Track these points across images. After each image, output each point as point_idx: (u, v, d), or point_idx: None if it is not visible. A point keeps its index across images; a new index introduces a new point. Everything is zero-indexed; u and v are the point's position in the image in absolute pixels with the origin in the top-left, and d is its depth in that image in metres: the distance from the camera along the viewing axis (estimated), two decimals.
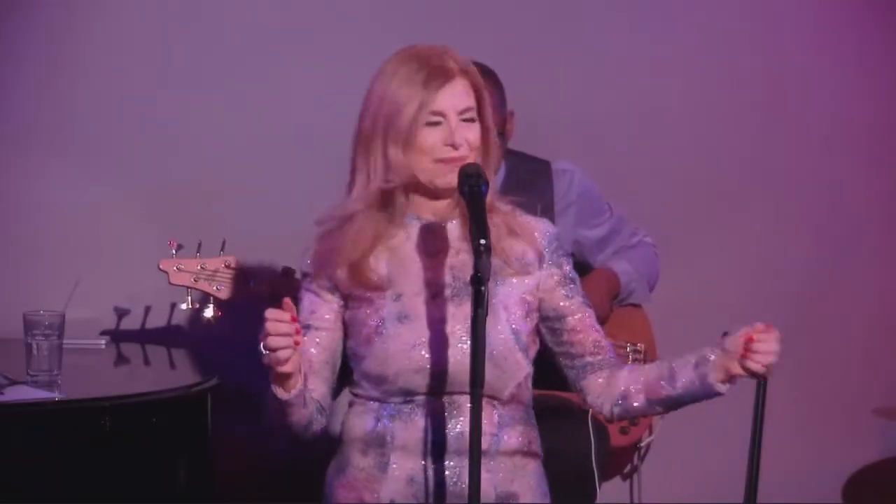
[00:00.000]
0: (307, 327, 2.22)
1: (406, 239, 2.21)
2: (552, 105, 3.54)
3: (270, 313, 2.00)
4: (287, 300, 2.02)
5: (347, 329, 2.25)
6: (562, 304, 2.27)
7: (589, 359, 2.28)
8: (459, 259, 2.20)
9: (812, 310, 3.87)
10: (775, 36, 3.86)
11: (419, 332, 2.17)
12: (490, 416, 2.19)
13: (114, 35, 3.43)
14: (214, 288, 2.89)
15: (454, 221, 2.23)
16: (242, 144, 3.48)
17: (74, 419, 2.69)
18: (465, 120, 2.17)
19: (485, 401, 2.15)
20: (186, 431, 2.86)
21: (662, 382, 2.21)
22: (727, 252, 3.82)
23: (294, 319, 2.01)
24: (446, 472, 2.16)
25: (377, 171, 2.18)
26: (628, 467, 3.69)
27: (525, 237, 2.25)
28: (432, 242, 2.20)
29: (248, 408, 3.46)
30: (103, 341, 3.31)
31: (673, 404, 2.25)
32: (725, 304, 3.73)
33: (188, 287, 2.89)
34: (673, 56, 3.76)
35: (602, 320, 3.06)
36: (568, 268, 2.30)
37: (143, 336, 3.40)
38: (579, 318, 2.28)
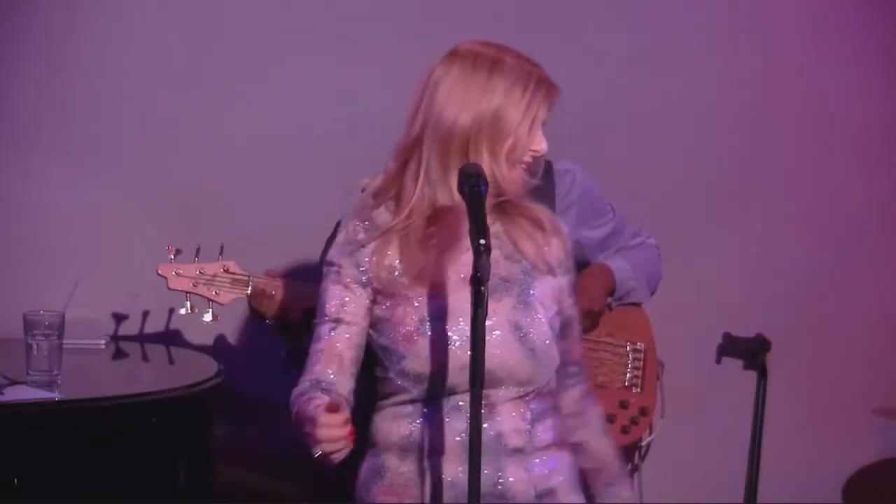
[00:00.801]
0: (337, 321, 2.20)
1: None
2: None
3: (325, 420, 1.95)
4: (335, 402, 1.98)
5: (377, 325, 2.22)
6: (570, 310, 2.30)
7: (573, 368, 2.33)
8: (493, 255, 2.20)
9: (812, 310, 3.87)
10: (776, 36, 3.86)
11: (460, 330, 2.16)
12: (521, 414, 2.20)
13: (114, 35, 3.42)
14: (213, 292, 2.88)
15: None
16: (243, 145, 3.48)
17: (74, 419, 2.69)
18: None
19: (516, 399, 2.18)
20: (186, 431, 2.86)
21: (601, 481, 2.34)
22: (727, 252, 3.82)
23: (347, 421, 1.96)
24: (486, 473, 2.16)
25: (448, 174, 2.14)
26: (629, 467, 3.69)
27: (556, 238, 2.27)
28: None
29: (248, 408, 3.48)
30: (103, 341, 3.31)
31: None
32: (725, 304, 3.73)
33: (187, 292, 2.89)
34: (673, 56, 3.76)
35: (597, 315, 3.06)
36: (575, 276, 2.32)
37: (143, 336, 3.39)
38: (577, 328, 2.34)
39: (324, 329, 2.21)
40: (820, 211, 3.91)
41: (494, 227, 2.21)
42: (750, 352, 2.82)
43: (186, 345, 3.39)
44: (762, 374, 2.84)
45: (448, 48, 2.23)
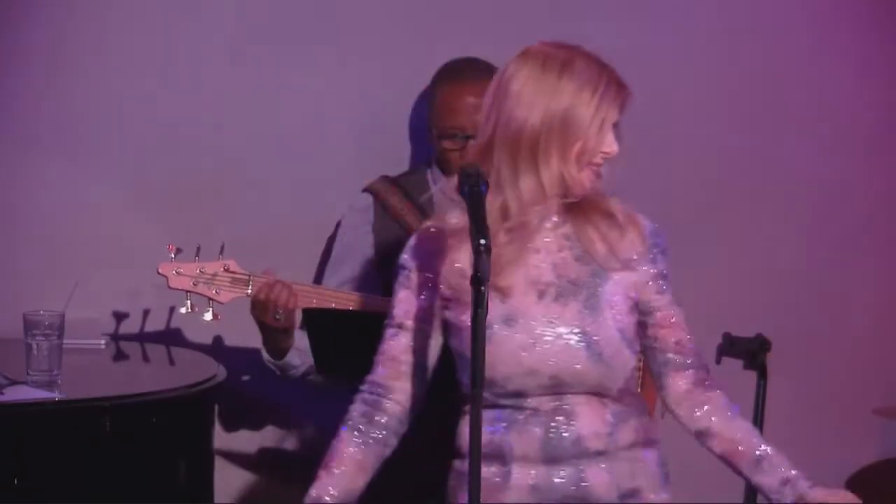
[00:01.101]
0: (400, 326, 2.21)
1: None
2: None
3: None
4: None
5: (448, 330, 2.22)
6: (653, 299, 2.26)
7: (671, 356, 2.26)
8: (561, 257, 2.19)
9: (812, 310, 3.87)
10: (776, 35, 3.86)
11: (528, 334, 2.15)
12: (602, 416, 2.19)
13: (114, 34, 3.42)
14: (213, 291, 2.88)
15: (553, 219, 2.22)
16: (244, 144, 3.48)
17: (74, 419, 2.69)
18: None
19: (595, 400, 2.17)
20: (186, 431, 2.86)
21: (746, 461, 2.22)
22: (727, 252, 3.82)
23: None
24: (567, 478, 2.15)
25: (539, 178, 2.13)
26: None
27: (631, 231, 2.24)
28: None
29: (248, 408, 3.48)
30: (103, 341, 3.31)
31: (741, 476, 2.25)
32: (726, 303, 3.73)
33: (187, 291, 2.89)
34: (673, 56, 3.76)
35: None
36: (663, 265, 2.28)
37: (143, 336, 3.39)
38: (665, 315, 2.26)
39: (388, 333, 2.23)
40: (820, 210, 3.91)
41: (564, 228, 2.20)
42: (750, 352, 2.82)
43: (187, 344, 3.38)
44: (762, 374, 2.85)
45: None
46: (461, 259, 2.18)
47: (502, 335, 2.14)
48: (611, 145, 2.17)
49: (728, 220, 3.85)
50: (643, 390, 3.20)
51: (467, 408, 2.17)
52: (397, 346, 2.19)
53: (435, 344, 2.23)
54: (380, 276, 3.10)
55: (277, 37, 3.48)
